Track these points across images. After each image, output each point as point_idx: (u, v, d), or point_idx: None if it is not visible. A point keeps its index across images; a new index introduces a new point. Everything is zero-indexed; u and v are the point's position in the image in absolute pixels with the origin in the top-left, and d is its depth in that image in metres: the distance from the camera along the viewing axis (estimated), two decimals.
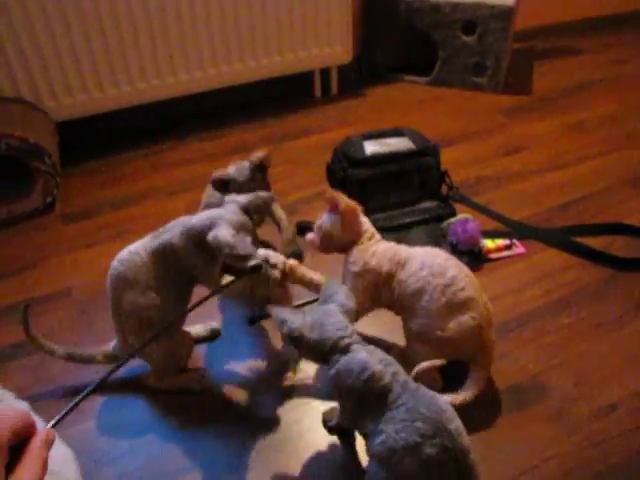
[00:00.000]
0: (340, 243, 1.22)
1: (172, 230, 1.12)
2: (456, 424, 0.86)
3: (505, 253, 1.59)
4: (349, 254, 1.21)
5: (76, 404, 0.78)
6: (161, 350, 1.17)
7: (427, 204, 1.73)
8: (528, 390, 1.20)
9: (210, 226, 1.07)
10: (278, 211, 1.55)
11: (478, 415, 1.13)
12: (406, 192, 1.70)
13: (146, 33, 2.10)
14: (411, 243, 1.55)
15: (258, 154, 1.39)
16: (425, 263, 1.13)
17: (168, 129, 2.41)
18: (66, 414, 0.76)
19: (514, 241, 1.62)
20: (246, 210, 1.14)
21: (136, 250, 1.12)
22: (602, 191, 1.85)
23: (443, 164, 1.77)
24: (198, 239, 1.08)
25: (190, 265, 1.11)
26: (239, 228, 1.08)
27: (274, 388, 1.24)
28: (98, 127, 2.31)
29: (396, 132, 1.77)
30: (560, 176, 1.95)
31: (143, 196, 1.95)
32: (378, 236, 1.23)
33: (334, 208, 1.19)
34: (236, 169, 1.40)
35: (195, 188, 1.97)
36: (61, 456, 0.86)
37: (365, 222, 1.23)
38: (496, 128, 2.31)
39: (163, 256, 1.11)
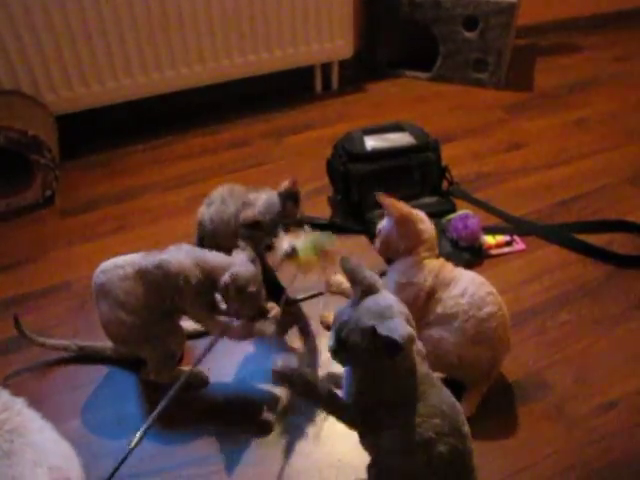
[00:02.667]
0: (397, 249, 1.19)
1: (175, 255, 1.12)
2: (466, 428, 0.87)
3: (505, 249, 1.58)
4: (397, 261, 1.20)
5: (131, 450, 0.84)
6: (155, 349, 1.18)
7: (427, 199, 1.72)
8: (528, 387, 1.20)
9: (226, 267, 1.09)
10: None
11: (478, 412, 1.13)
12: (406, 187, 1.69)
13: (146, 27, 2.08)
14: None
15: (284, 184, 1.37)
16: (467, 291, 1.12)
17: (168, 123, 2.40)
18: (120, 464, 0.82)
19: (514, 237, 1.61)
20: (252, 261, 1.14)
21: (123, 264, 1.13)
22: (603, 188, 1.85)
23: (443, 160, 1.76)
24: (210, 275, 1.10)
25: (181, 296, 1.12)
26: (253, 279, 1.09)
27: (273, 383, 1.24)
28: (98, 121, 2.30)
29: (397, 127, 1.76)
30: (561, 173, 1.94)
31: (143, 190, 1.95)
32: (436, 250, 1.20)
33: (390, 214, 1.18)
34: (265, 206, 1.36)
35: (195, 182, 1.97)
36: (63, 452, 0.87)
37: (426, 231, 1.18)
38: (497, 124, 2.30)
39: (149, 277, 1.11)
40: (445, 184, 1.80)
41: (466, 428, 0.87)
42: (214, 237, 1.48)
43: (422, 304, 1.14)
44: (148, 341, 1.16)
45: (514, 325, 1.33)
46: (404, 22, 2.67)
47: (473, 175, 1.93)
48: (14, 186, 1.86)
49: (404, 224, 1.17)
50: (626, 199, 1.78)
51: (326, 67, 2.63)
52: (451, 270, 1.17)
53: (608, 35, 3.29)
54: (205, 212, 1.47)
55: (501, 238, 1.60)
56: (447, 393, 0.89)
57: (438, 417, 0.84)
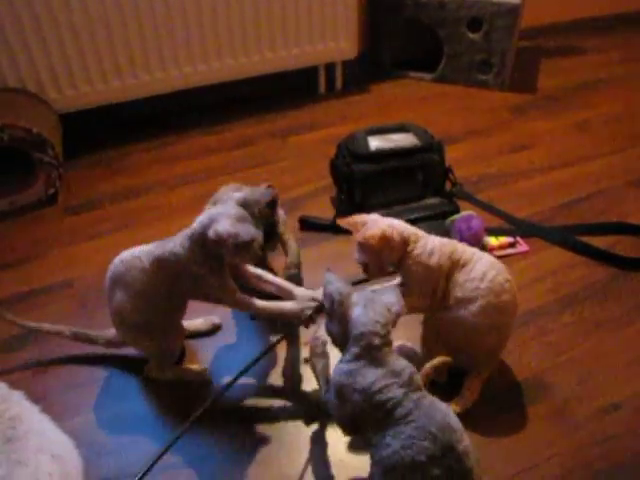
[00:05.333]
0: (391, 262, 1.17)
1: (175, 239, 1.12)
2: (465, 444, 0.85)
3: (509, 251, 1.58)
4: (406, 264, 1.16)
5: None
6: (154, 343, 1.19)
7: (431, 200, 1.72)
8: (530, 388, 1.19)
9: (210, 224, 1.06)
10: (286, 233, 1.46)
11: (480, 412, 1.13)
12: (410, 188, 1.69)
13: (150, 26, 2.09)
14: None
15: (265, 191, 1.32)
16: (487, 276, 1.11)
17: (172, 122, 2.40)
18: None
19: (518, 239, 1.61)
20: (243, 204, 1.13)
21: (139, 254, 1.13)
22: (606, 190, 1.84)
23: (447, 161, 1.76)
24: (201, 241, 1.08)
25: (197, 276, 1.10)
26: (239, 219, 1.07)
27: (274, 382, 1.24)
28: (101, 119, 2.30)
29: (400, 128, 1.76)
30: (564, 175, 1.94)
31: (145, 189, 1.95)
32: (420, 232, 1.18)
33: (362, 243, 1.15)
34: (250, 190, 1.33)
35: (198, 182, 1.97)
36: (63, 443, 0.88)
37: (401, 229, 1.16)
38: (501, 126, 2.30)
39: (165, 265, 1.11)
40: (448, 185, 1.80)
41: (462, 446, 0.84)
42: None
43: (443, 289, 1.14)
44: (154, 333, 1.17)
45: (517, 326, 1.33)
46: (408, 23, 2.67)
47: (476, 176, 1.93)
48: (17, 184, 1.86)
49: (379, 245, 1.13)
50: (629, 201, 1.78)
51: (330, 67, 2.62)
52: (465, 249, 1.16)
53: (612, 37, 3.29)
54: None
55: (504, 239, 1.60)
56: (439, 412, 0.87)
57: (427, 440, 0.82)
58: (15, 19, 1.87)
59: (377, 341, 0.90)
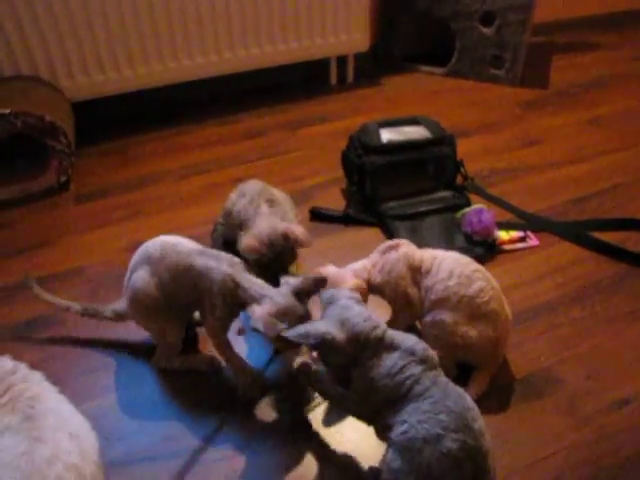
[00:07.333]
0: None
1: (221, 258, 1.12)
2: (480, 424, 0.85)
3: (519, 245, 1.58)
4: (376, 290, 1.22)
5: None
6: (157, 327, 1.20)
7: (442, 193, 1.72)
8: (539, 382, 1.19)
9: (256, 298, 1.06)
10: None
11: (488, 405, 1.13)
12: (421, 181, 1.68)
13: (164, 15, 2.09)
14: (425, 232, 1.54)
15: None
16: (454, 272, 1.13)
17: (184, 112, 2.41)
18: None
19: (528, 233, 1.61)
20: (297, 294, 1.07)
21: (181, 249, 1.14)
22: (618, 187, 1.84)
23: (458, 155, 1.76)
24: (233, 297, 1.09)
25: (205, 294, 1.11)
26: (281, 313, 1.03)
27: (279, 371, 1.24)
28: (113, 108, 2.31)
29: (412, 121, 1.75)
30: (576, 170, 1.93)
31: (157, 178, 1.95)
32: (369, 259, 1.23)
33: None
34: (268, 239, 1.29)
35: (209, 171, 1.97)
36: (80, 422, 0.89)
37: (360, 273, 1.21)
38: (512, 121, 2.29)
39: (191, 272, 1.11)
40: (460, 179, 1.80)
41: (477, 425, 0.84)
42: (231, 229, 1.46)
43: (416, 296, 1.17)
44: (161, 320, 1.18)
45: (526, 320, 1.33)
46: (420, 16, 2.66)
47: (487, 171, 1.93)
48: (30, 171, 1.88)
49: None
50: None
51: (342, 60, 2.63)
52: (422, 258, 1.18)
53: (625, 34, 3.27)
54: (237, 202, 1.44)
55: (515, 234, 1.59)
56: (454, 390, 0.89)
57: (443, 413, 0.83)
58: (29, 7, 1.88)
59: (379, 331, 0.93)
